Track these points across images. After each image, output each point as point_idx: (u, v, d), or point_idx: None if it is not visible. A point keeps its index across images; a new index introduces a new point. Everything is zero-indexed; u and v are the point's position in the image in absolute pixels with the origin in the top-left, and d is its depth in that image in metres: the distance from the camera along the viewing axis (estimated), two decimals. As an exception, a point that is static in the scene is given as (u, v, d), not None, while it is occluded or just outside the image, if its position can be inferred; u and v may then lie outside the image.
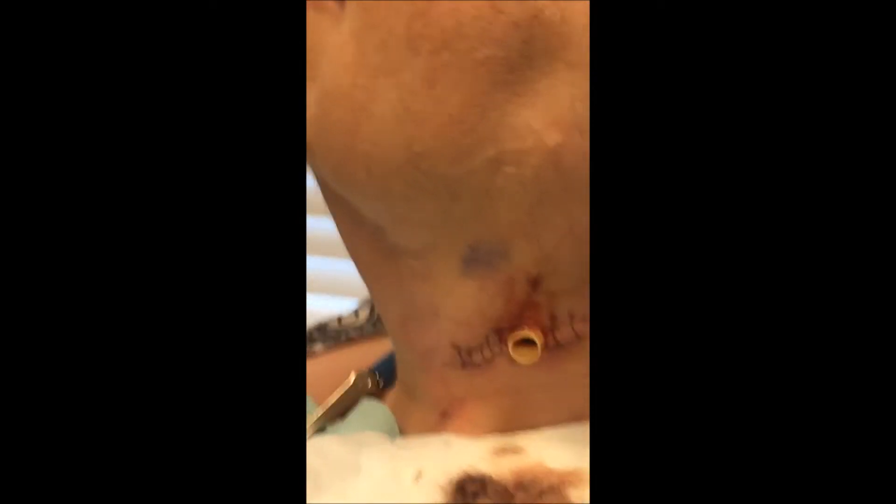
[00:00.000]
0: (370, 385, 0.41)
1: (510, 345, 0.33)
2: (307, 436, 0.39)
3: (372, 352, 0.46)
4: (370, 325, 0.52)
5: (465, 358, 0.35)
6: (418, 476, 0.34)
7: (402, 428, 0.39)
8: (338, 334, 0.52)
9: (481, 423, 0.36)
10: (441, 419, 0.37)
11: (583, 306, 0.33)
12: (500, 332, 0.34)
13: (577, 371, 0.34)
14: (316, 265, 1.08)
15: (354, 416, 0.39)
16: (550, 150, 0.30)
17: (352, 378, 0.41)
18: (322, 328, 0.54)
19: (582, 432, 0.34)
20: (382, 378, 0.42)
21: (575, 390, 0.35)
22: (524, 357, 0.33)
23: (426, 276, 0.35)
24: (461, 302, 0.34)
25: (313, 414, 0.40)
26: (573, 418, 0.35)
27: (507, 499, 0.32)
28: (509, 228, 0.32)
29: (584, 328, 0.33)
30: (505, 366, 0.35)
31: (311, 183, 0.34)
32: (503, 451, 0.34)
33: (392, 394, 0.42)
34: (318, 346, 0.52)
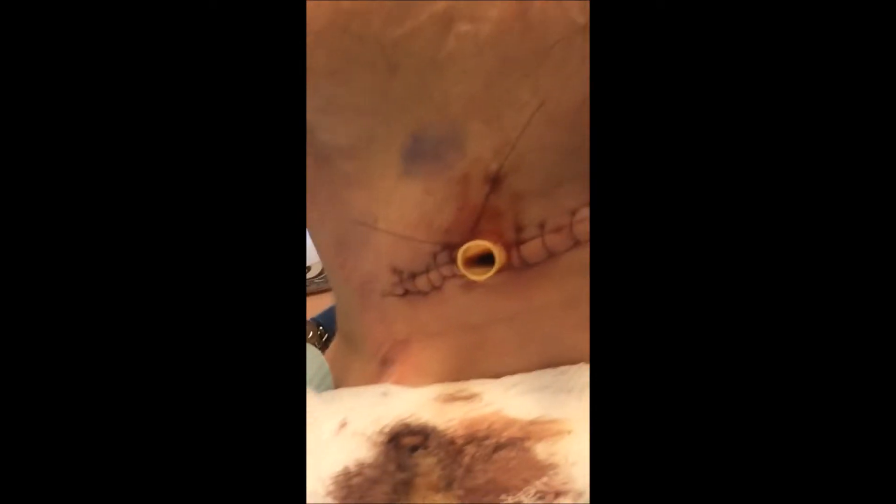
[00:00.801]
0: (310, 335, 0.34)
1: (461, 260, 0.26)
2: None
3: (322, 304, 0.39)
4: (322, 280, 0.44)
5: (409, 284, 0.28)
6: (341, 427, 0.26)
7: (343, 382, 0.31)
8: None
9: (428, 369, 0.29)
10: (381, 368, 0.30)
11: (557, 214, 0.26)
12: (451, 250, 0.27)
13: (548, 300, 0.27)
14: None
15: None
16: None
17: None
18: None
19: (553, 379, 0.27)
20: (328, 329, 0.35)
21: (546, 325, 0.27)
22: (480, 276, 0.26)
23: (361, 180, 0.27)
24: (402, 211, 0.27)
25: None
26: (543, 363, 0.28)
27: (454, 454, 0.24)
28: (462, 108, 0.25)
29: (559, 242, 0.26)
30: (457, 294, 0.27)
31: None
32: (452, 398, 0.27)
33: (333, 345, 0.34)
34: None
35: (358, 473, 0.25)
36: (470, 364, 0.28)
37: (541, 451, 0.24)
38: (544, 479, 0.23)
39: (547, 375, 0.27)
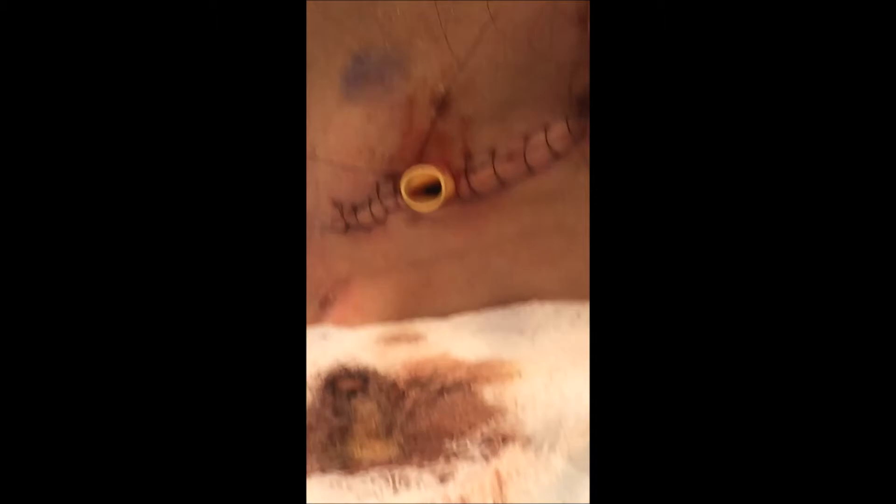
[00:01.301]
0: None
1: (404, 188, 0.24)
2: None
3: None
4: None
5: (349, 218, 0.26)
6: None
7: None
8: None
9: (371, 309, 0.27)
10: (321, 310, 0.28)
11: (509, 140, 0.24)
12: (396, 179, 0.25)
13: (499, 234, 0.25)
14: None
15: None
16: None
17: None
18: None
19: (504, 318, 0.25)
20: None
21: (497, 261, 0.25)
22: (426, 207, 0.24)
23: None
24: (342, 138, 0.25)
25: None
26: (494, 302, 0.26)
27: (395, 399, 0.23)
28: (407, 26, 0.23)
29: (511, 170, 0.24)
30: (402, 228, 0.26)
31: None
32: (395, 339, 0.25)
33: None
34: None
35: None
36: (415, 303, 0.26)
37: (488, 394, 0.22)
38: (491, 423, 0.21)
39: (497, 315, 0.25)
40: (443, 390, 0.23)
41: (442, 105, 0.23)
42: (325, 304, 0.28)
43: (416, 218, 0.25)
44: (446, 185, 0.23)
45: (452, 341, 0.24)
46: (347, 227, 0.26)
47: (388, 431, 0.22)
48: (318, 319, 0.28)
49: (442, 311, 0.26)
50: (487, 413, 0.22)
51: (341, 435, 0.23)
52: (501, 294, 0.26)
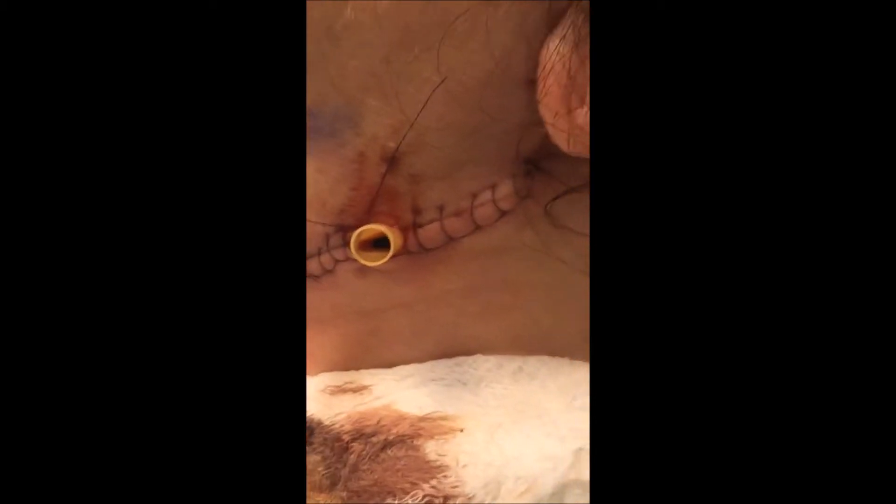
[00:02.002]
0: None
1: (353, 244, 0.24)
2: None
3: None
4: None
5: (299, 267, 0.26)
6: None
7: None
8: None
9: (318, 357, 0.27)
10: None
11: (457, 197, 0.24)
12: (345, 232, 0.25)
13: (446, 287, 0.25)
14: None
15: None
16: None
17: None
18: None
19: (448, 370, 0.26)
20: None
21: (443, 313, 0.26)
22: (375, 261, 0.24)
23: None
24: None
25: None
26: (439, 354, 0.26)
27: (340, 452, 0.23)
28: (359, 83, 0.23)
29: (458, 226, 0.24)
30: (350, 279, 0.26)
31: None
32: (340, 389, 0.25)
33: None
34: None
35: None
36: (362, 353, 0.26)
37: (430, 450, 0.23)
38: (433, 481, 0.22)
39: (441, 366, 0.26)
40: (386, 444, 0.23)
41: (392, 161, 0.24)
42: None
43: (364, 269, 0.25)
44: (395, 241, 0.24)
45: (397, 392, 0.25)
46: (296, 276, 0.26)
47: (332, 485, 0.23)
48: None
49: (388, 362, 0.26)
50: (429, 471, 0.22)
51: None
52: (446, 345, 0.26)
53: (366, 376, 0.25)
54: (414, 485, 0.22)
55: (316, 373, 0.26)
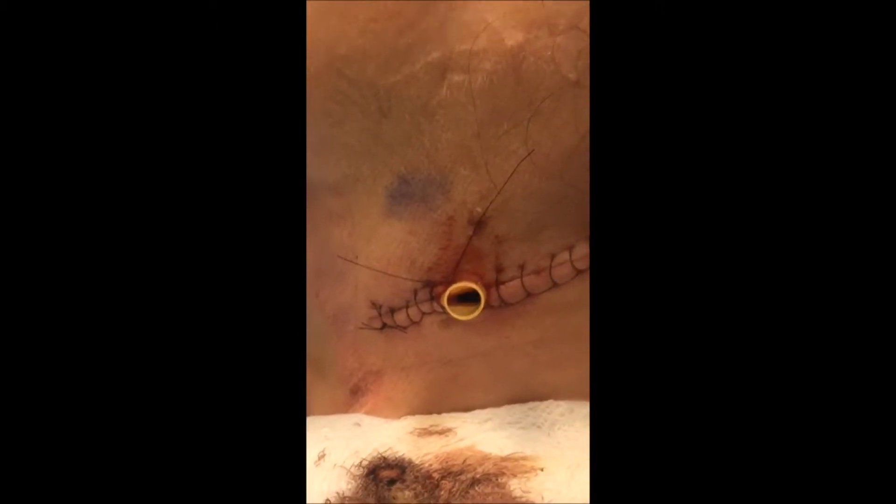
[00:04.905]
0: None
1: (445, 298, 0.27)
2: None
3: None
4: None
5: (386, 318, 0.29)
6: (320, 458, 0.27)
7: (308, 410, 0.32)
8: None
9: (401, 401, 0.29)
10: (352, 397, 0.30)
11: (536, 256, 0.27)
12: (432, 287, 0.28)
13: (523, 338, 0.28)
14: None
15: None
16: (509, 50, 0.24)
17: None
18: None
19: (524, 414, 0.28)
20: None
21: (518, 362, 0.28)
22: (464, 314, 0.27)
23: (344, 216, 0.28)
24: (385, 248, 0.28)
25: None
26: (514, 399, 0.29)
27: (431, 489, 0.25)
28: (451, 154, 0.26)
29: (537, 283, 0.27)
30: (435, 330, 0.28)
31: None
32: (427, 431, 0.27)
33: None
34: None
35: None
36: (442, 397, 0.29)
37: (515, 487, 0.25)
38: (522, 516, 0.24)
39: (516, 411, 0.28)
40: (474, 482, 0.25)
41: (478, 225, 0.27)
42: (355, 392, 0.30)
43: (448, 321, 0.28)
44: (484, 298, 0.26)
45: (479, 434, 0.27)
46: (384, 326, 0.29)
47: (426, 520, 0.25)
48: (349, 406, 0.30)
49: (466, 406, 0.29)
50: (518, 506, 0.24)
51: (385, 521, 0.25)
52: (520, 391, 0.28)
53: (448, 419, 0.28)
54: (505, 519, 0.24)
55: (400, 416, 0.29)
